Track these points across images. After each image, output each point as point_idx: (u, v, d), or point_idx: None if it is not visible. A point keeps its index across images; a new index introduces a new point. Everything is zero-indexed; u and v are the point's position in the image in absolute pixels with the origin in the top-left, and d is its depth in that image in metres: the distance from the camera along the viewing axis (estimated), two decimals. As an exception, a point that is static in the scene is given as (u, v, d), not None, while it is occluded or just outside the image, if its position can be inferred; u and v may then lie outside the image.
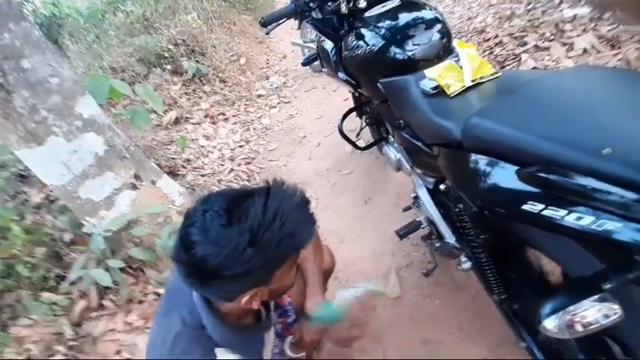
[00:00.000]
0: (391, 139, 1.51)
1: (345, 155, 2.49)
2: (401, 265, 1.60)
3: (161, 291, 1.63)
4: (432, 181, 1.09)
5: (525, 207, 0.53)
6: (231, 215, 0.56)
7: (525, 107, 0.62)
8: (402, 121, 1.09)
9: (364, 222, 1.90)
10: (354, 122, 2.07)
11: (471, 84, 0.87)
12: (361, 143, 1.85)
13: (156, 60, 3.48)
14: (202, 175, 2.57)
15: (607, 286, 0.46)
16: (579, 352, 0.72)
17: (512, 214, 0.57)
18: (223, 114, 3.41)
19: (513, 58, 2.28)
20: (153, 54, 3.46)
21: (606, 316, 0.45)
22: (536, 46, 2.20)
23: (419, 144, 0.99)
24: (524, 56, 2.21)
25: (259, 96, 3.79)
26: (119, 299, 1.55)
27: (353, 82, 1.35)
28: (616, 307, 0.45)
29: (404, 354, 1.29)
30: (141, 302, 1.61)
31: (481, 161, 0.64)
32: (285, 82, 4.05)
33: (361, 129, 1.96)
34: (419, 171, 1.11)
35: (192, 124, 3.21)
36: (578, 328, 0.46)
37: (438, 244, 1.09)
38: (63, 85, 1.49)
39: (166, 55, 3.51)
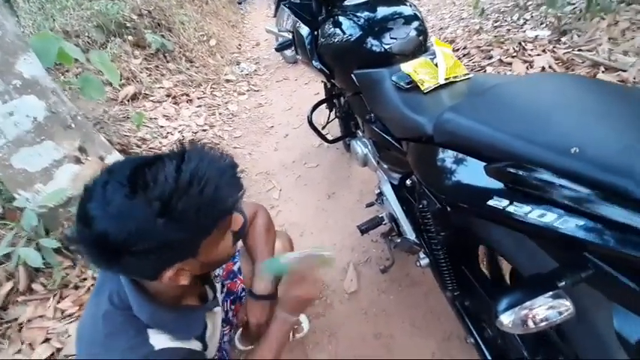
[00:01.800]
0: (359, 133, 1.51)
1: (311, 149, 2.47)
2: (360, 260, 1.60)
3: (102, 276, 1.50)
4: (397, 176, 1.09)
5: (491, 202, 0.53)
6: (135, 184, 0.49)
7: (497, 106, 0.63)
8: (372, 115, 1.08)
9: (326, 216, 1.88)
10: (322, 116, 2.05)
11: (444, 82, 0.87)
12: (328, 136, 1.84)
13: (116, 29, 3.21)
14: (159, 157, 2.42)
15: (561, 284, 0.47)
16: (523, 349, 0.75)
17: (478, 209, 0.57)
18: (187, 95, 3.23)
19: (479, 70, 2.39)
20: (113, 22, 3.19)
21: (559, 313, 0.46)
22: (500, 60, 2.32)
23: (388, 138, 0.98)
24: (489, 69, 2.32)
25: (228, 81, 3.65)
26: (51, 283, 1.40)
27: (327, 71, 1.32)
28: (568, 304, 0.46)
29: (356, 347, 1.29)
30: (77, 288, 1.47)
31: (451, 156, 0.64)
32: (256, 70, 3.94)
33: (328, 122, 1.94)
34: (385, 166, 1.11)
35: (152, 102, 3.01)
36: (531, 324, 0.47)
37: (398, 240, 1.09)
38: (4, 39, 1.31)
39: (128, 25, 3.25)
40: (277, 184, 2.20)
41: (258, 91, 3.52)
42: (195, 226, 0.52)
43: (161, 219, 0.49)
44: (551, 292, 0.46)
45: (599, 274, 0.46)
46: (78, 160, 1.45)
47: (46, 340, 1.32)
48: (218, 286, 0.83)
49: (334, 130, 2.05)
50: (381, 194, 1.42)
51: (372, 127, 1.07)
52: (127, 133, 2.44)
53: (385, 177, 1.19)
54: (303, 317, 1.39)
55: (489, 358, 0.86)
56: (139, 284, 0.62)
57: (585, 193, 0.41)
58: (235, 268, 1.00)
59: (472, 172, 0.59)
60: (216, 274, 0.96)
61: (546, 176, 0.45)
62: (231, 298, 0.97)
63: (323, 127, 1.86)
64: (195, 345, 0.68)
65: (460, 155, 0.62)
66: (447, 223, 0.85)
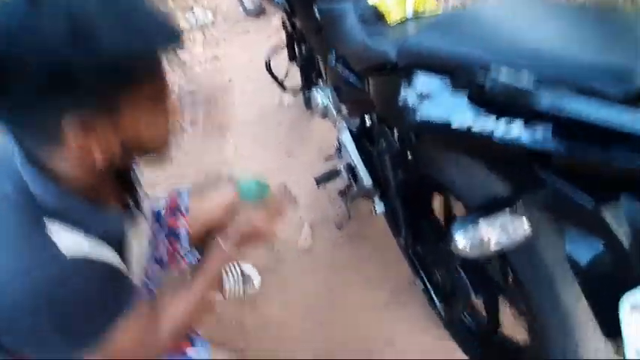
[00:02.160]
0: (321, 82, 1.43)
1: (271, 106, 2.34)
2: (316, 218, 1.57)
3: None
4: (356, 123, 1.04)
5: (455, 125, 0.48)
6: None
7: (465, 26, 0.58)
8: (334, 54, 1.00)
9: (284, 174, 1.81)
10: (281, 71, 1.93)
11: (412, 15, 0.81)
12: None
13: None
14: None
15: (518, 207, 0.45)
16: (469, 288, 0.76)
17: (441, 136, 0.53)
18: (133, 40, 2.88)
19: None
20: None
21: (515, 233, 0.44)
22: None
23: (350, 77, 0.91)
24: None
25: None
26: None
27: (287, 7, 1.20)
28: (525, 221, 0.44)
29: (309, 301, 1.28)
30: None
31: (414, 81, 0.59)
32: (213, 21, 3.61)
33: (287, 74, 1.83)
34: (345, 111, 1.05)
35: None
36: (488, 245, 0.45)
37: (355, 188, 1.06)
38: None
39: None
40: (233, 140, 2.07)
41: (215, 43, 3.24)
42: (112, 60, 0.40)
43: (69, 36, 0.38)
44: (507, 210, 0.44)
45: (555, 194, 0.44)
46: None
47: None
48: (147, 206, 0.71)
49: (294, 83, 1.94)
50: (339, 147, 1.37)
51: (334, 67, 0.99)
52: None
53: (344, 125, 1.13)
54: (254, 273, 1.34)
55: (436, 299, 0.88)
56: (42, 167, 0.48)
57: (558, 96, 0.37)
58: (182, 205, 0.90)
59: (436, 96, 0.54)
60: (158, 202, 0.84)
61: (515, 80, 0.41)
62: (167, 232, 0.87)
63: (283, 81, 1.74)
64: (109, 255, 0.55)
65: (424, 78, 0.57)
66: (404, 165, 0.82)
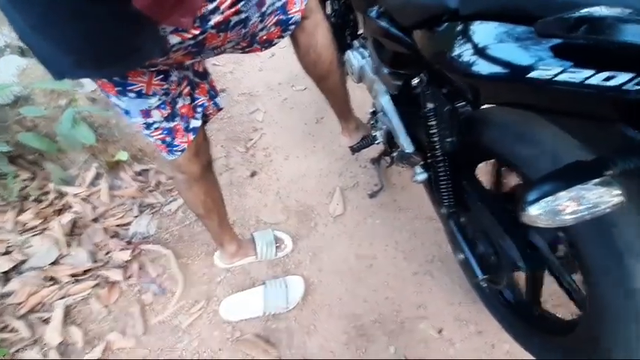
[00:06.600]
0: (356, 44, 1.33)
1: (300, 70, 2.21)
2: (347, 185, 1.54)
3: (65, 189, 1.37)
4: (398, 84, 0.96)
5: (533, 74, 0.42)
6: None
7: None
8: (377, 7, 0.91)
9: (313, 140, 1.77)
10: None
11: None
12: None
13: None
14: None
15: (609, 173, 0.39)
16: (521, 261, 0.71)
17: (514, 89, 0.46)
18: (159, 2, 2.81)
19: None
20: None
21: (605, 203, 0.39)
22: None
23: (396, 31, 0.83)
24: None
25: (206, -10, 3.19)
26: (8, 194, 1.27)
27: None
28: (618, 192, 0.38)
29: (338, 267, 1.28)
30: (39, 201, 1.35)
31: (483, 27, 0.51)
32: (238, -20, 3.46)
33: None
34: (386, 72, 0.97)
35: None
36: (569, 214, 0.39)
37: (395, 154, 1.00)
38: None
39: None
40: (262, 105, 2.02)
41: (240, 4, 3.12)
42: None
43: None
44: (598, 179, 0.38)
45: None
46: (23, 54, 1.22)
47: (7, 252, 1.23)
48: None
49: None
50: (374, 113, 1.30)
51: (376, 21, 0.91)
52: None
53: (384, 88, 1.05)
54: (285, 237, 1.35)
55: (479, 273, 0.84)
56: None
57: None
58: None
59: (509, 41, 0.47)
60: None
61: (621, 24, 0.34)
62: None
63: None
64: None
65: (493, 24, 0.50)
66: (454, 127, 0.75)
